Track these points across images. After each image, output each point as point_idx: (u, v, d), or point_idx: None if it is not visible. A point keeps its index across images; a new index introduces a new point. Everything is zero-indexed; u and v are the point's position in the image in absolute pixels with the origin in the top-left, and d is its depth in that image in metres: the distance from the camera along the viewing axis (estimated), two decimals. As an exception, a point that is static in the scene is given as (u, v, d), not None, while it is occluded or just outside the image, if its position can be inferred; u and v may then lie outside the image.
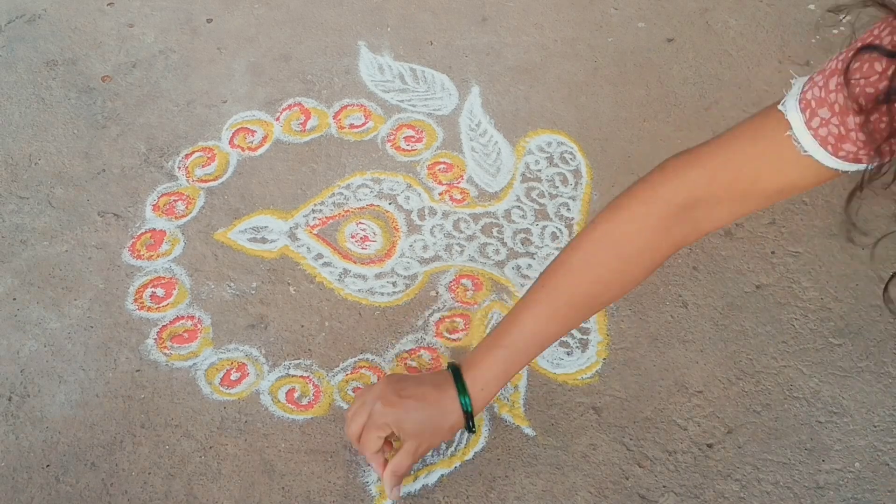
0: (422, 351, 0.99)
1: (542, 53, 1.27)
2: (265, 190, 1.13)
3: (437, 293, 1.04)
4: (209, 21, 1.33)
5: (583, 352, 0.99)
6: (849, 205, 0.64)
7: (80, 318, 1.02)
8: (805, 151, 0.63)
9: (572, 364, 0.98)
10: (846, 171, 0.63)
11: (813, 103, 0.62)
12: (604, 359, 0.98)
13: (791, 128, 0.63)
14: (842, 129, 0.60)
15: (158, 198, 1.13)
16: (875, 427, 0.92)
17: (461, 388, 0.79)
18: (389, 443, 0.84)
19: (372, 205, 1.12)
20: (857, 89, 0.58)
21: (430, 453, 0.91)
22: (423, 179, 1.14)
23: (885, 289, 0.70)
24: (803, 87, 0.63)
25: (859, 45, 0.59)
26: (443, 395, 0.80)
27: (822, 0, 1.30)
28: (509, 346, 0.78)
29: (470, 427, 0.81)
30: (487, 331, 1.00)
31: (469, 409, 0.79)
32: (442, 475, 0.90)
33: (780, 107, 0.65)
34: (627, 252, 0.74)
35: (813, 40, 1.26)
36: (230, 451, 0.92)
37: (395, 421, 0.79)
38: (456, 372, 0.80)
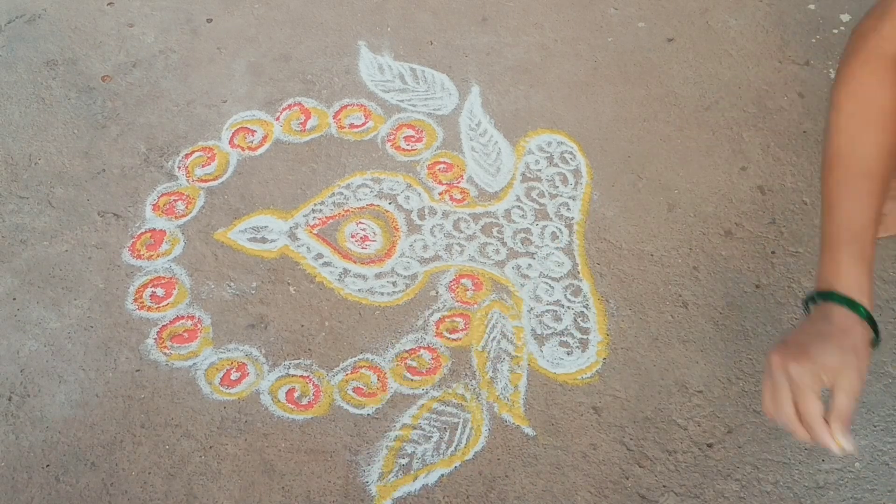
0: (422, 351, 0.99)
1: (542, 53, 1.27)
2: (265, 190, 1.13)
3: (437, 293, 1.04)
4: (209, 21, 1.33)
5: (583, 352, 0.99)
6: None
7: (80, 318, 1.02)
8: None
9: (572, 364, 0.98)
10: None
11: None
12: (604, 359, 0.98)
13: None
14: None
15: (158, 197, 1.13)
16: (875, 427, 0.92)
17: (845, 302, 0.74)
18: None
19: (372, 204, 1.12)
20: None
21: (430, 453, 0.91)
22: (423, 179, 1.14)
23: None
24: None
25: None
26: (833, 318, 0.74)
27: (823, 0, 1.30)
28: (851, 240, 0.75)
29: (877, 330, 0.75)
30: (487, 331, 1.00)
31: (866, 314, 0.74)
32: (442, 475, 0.90)
33: None
34: (882, 109, 0.76)
35: (813, 40, 1.26)
36: (230, 451, 0.92)
37: (818, 370, 0.71)
38: (827, 296, 0.75)
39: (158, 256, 1.07)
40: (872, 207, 0.76)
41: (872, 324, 0.74)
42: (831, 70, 1.22)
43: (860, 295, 0.74)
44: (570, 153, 1.16)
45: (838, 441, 0.71)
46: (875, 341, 0.75)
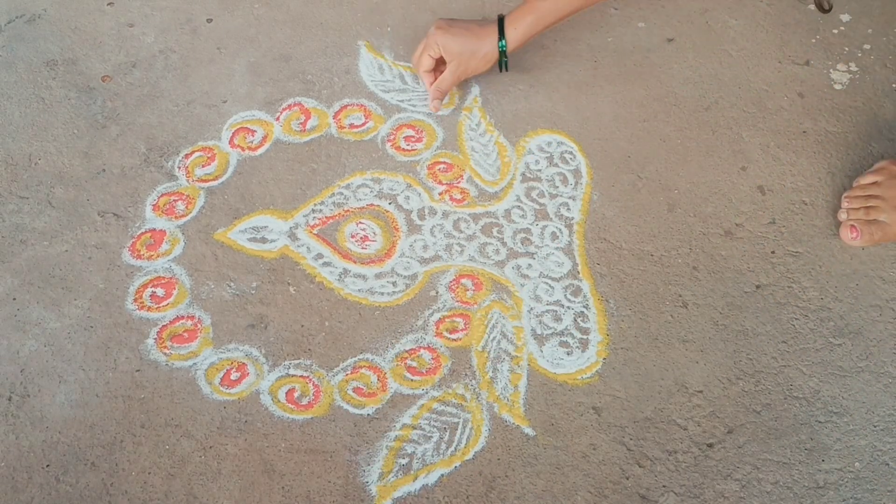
0: (422, 351, 0.99)
1: (542, 53, 1.27)
2: (265, 190, 1.13)
3: (437, 293, 1.04)
4: (209, 21, 1.33)
5: (583, 352, 0.99)
6: None
7: (80, 318, 1.02)
8: None
9: (572, 364, 0.98)
10: None
11: None
12: (604, 359, 0.98)
13: None
14: None
15: (158, 198, 1.13)
16: (875, 427, 0.92)
17: (500, 30, 1.10)
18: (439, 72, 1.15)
19: (372, 205, 1.12)
20: None
21: (430, 453, 0.91)
22: (423, 179, 1.14)
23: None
24: None
25: None
26: (484, 29, 1.11)
27: (822, 0, 1.30)
28: (541, 6, 1.09)
29: (502, 63, 1.14)
30: (487, 331, 1.00)
31: (503, 48, 1.11)
32: (442, 475, 0.90)
33: None
34: None
35: (813, 40, 1.26)
36: (230, 451, 0.92)
37: (443, 42, 1.10)
38: (500, 19, 1.11)
39: (158, 256, 1.07)
40: (577, 6, 1.10)
41: (503, 55, 1.13)
42: (831, 70, 1.22)
43: (514, 33, 1.10)
44: (570, 153, 1.16)
45: (430, 102, 1.18)
46: (501, 66, 1.16)
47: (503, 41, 1.10)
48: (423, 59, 1.13)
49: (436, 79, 1.15)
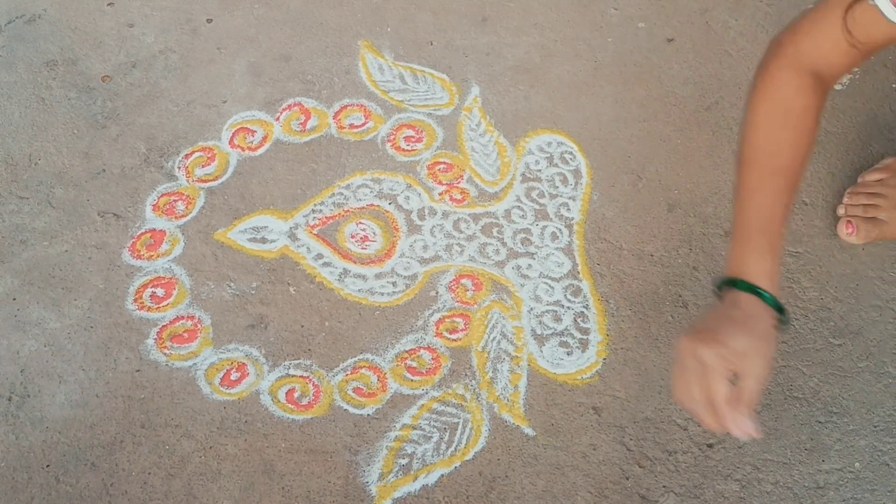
0: (422, 351, 0.99)
1: (542, 53, 1.27)
2: (265, 190, 1.13)
3: (437, 293, 1.04)
4: (209, 21, 1.33)
5: (583, 352, 0.99)
6: None
7: (80, 318, 1.02)
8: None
9: (572, 364, 0.98)
10: None
11: None
12: (604, 359, 0.98)
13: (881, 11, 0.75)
14: None
15: (158, 198, 1.13)
16: (875, 427, 0.92)
17: (751, 289, 0.76)
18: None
19: (372, 205, 1.12)
20: None
21: (430, 453, 0.91)
22: (423, 179, 1.14)
23: None
24: None
25: None
26: (741, 305, 0.76)
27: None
28: (761, 230, 0.79)
29: (783, 317, 0.77)
30: (487, 331, 1.00)
31: (772, 301, 0.76)
32: (442, 475, 0.90)
33: (870, 2, 0.75)
34: (793, 108, 0.81)
35: (813, 40, 1.26)
36: (230, 451, 0.92)
37: (728, 354, 0.72)
38: (735, 283, 0.77)
39: (158, 256, 1.07)
40: (782, 202, 0.80)
41: (779, 308, 0.77)
42: (831, 70, 1.22)
43: (767, 282, 0.77)
44: (570, 153, 1.16)
45: (743, 425, 0.72)
46: (783, 323, 0.78)
47: (766, 295, 0.77)
48: (717, 385, 0.73)
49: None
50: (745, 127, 0.83)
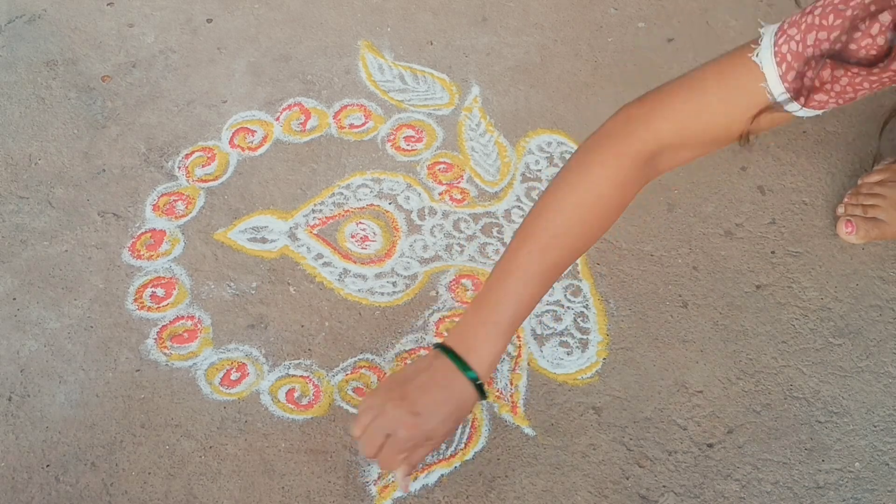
0: (422, 351, 0.99)
1: (542, 53, 1.27)
2: (265, 190, 1.13)
3: (437, 293, 1.04)
4: (209, 21, 1.33)
5: (583, 352, 0.99)
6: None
7: (80, 318, 1.02)
8: (777, 101, 0.66)
9: (572, 364, 0.98)
10: (806, 116, 0.67)
11: (788, 57, 0.64)
12: (604, 359, 0.98)
13: (766, 80, 0.65)
14: (816, 81, 0.63)
15: (158, 198, 1.13)
16: (875, 427, 0.92)
17: (459, 363, 0.75)
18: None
19: (372, 205, 1.12)
20: (853, 51, 0.60)
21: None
22: (423, 179, 1.14)
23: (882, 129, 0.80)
24: (775, 38, 0.65)
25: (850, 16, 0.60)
26: (440, 371, 0.75)
27: (822, 0, 1.30)
28: (500, 321, 0.75)
29: (483, 395, 0.76)
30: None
31: (475, 378, 0.75)
32: (442, 475, 0.90)
33: (754, 58, 0.66)
34: (605, 205, 0.74)
35: (813, 40, 1.26)
36: (230, 451, 0.92)
37: (420, 435, 0.74)
38: (443, 348, 0.76)
39: (158, 256, 1.07)
40: (538, 296, 0.76)
41: (480, 389, 0.75)
42: (831, 70, 1.22)
43: (479, 362, 0.74)
44: (570, 153, 1.16)
45: (399, 482, 0.79)
46: (480, 397, 0.76)
47: (470, 371, 0.75)
48: (394, 460, 0.76)
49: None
50: (547, 197, 0.75)
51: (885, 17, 0.59)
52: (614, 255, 1.06)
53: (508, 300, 0.74)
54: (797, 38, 0.64)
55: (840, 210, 1.05)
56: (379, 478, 0.90)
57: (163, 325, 1.01)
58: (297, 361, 0.99)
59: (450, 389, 0.75)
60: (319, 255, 1.07)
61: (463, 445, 0.92)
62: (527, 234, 0.75)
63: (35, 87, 1.25)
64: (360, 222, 1.10)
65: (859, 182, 1.07)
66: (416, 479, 0.89)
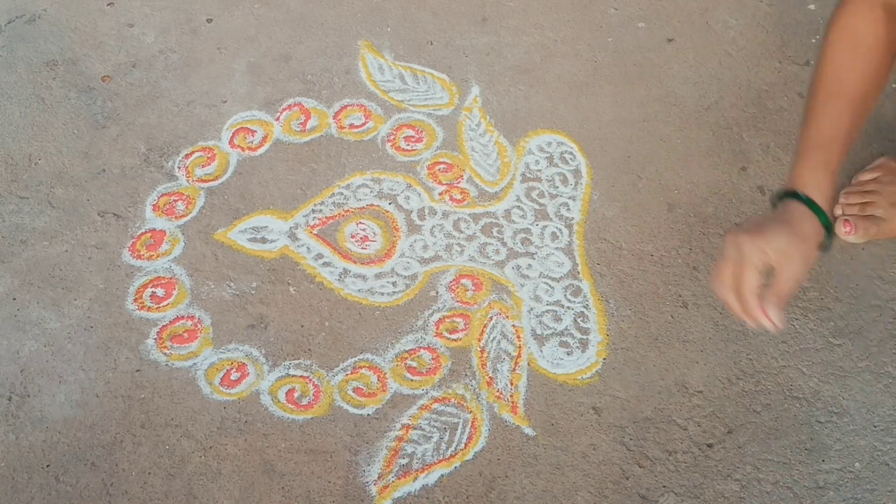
0: (422, 351, 0.99)
1: (542, 53, 1.27)
2: (265, 190, 1.13)
3: (437, 293, 1.04)
4: (209, 21, 1.33)
5: (583, 352, 0.99)
6: None
7: (80, 318, 1.02)
8: None
9: (572, 364, 0.98)
10: None
11: None
12: (604, 359, 0.98)
13: None
14: None
15: (158, 198, 1.13)
16: (875, 427, 0.92)
17: (805, 201, 0.80)
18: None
19: (372, 205, 1.12)
20: None
21: (430, 453, 0.91)
22: (423, 179, 1.14)
23: None
24: None
25: None
26: (792, 211, 0.80)
27: (822, 0, 1.30)
28: (819, 148, 0.83)
29: (829, 236, 0.81)
30: (487, 331, 1.00)
31: (825, 218, 0.80)
32: (442, 475, 0.90)
33: None
34: (867, 43, 0.85)
35: (813, 40, 1.26)
36: (230, 451, 0.92)
37: (767, 248, 0.77)
38: (790, 195, 0.82)
39: (158, 256, 1.07)
40: (845, 123, 0.84)
41: (828, 226, 0.81)
42: (831, 70, 1.22)
43: (819, 196, 0.81)
44: (570, 153, 1.16)
45: (770, 317, 0.77)
46: (826, 245, 0.82)
47: (822, 214, 0.81)
48: (750, 277, 0.78)
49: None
50: (818, 59, 0.87)
51: None
52: (614, 255, 1.06)
53: (822, 137, 0.84)
54: None
55: (838, 211, 1.05)
56: (379, 478, 0.90)
57: (163, 325, 1.01)
58: (297, 361, 0.99)
59: (804, 223, 0.80)
60: (319, 255, 1.07)
61: (463, 445, 0.92)
62: (811, 88, 0.86)
63: (35, 87, 1.25)
64: (360, 222, 1.10)
65: (853, 181, 1.07)
66: (415, 479, 0.89)
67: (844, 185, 1.09)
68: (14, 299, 1.04)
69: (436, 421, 0.94)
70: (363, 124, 1.20)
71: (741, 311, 0.78)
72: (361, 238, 1.09)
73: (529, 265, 1.06)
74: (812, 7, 1.29)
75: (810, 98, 0.86)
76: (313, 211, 1.11)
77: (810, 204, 0.80)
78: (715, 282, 0.80)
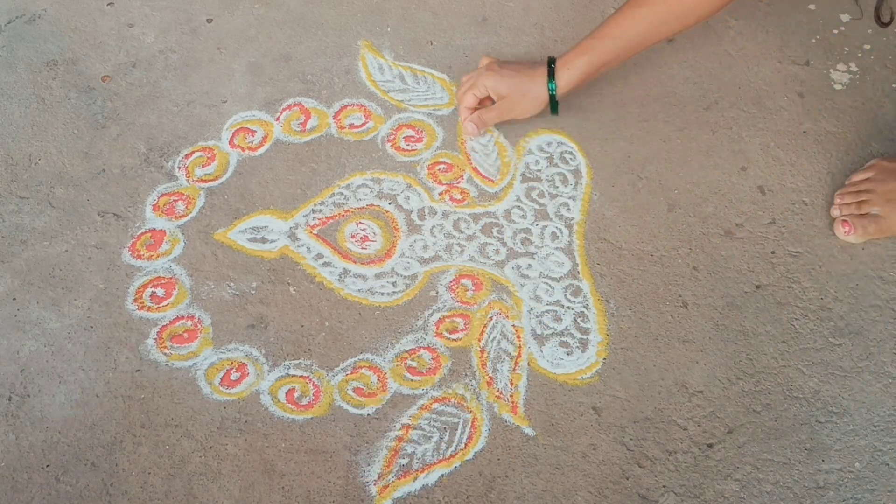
0: (422, 351, 0.99)
1: (542, 53, 1.27)
2: (265, 190, 1.13)
3: (437, 293, 1.04)
4: (209, 21, 1.33)
5: (583, 352, 0.99)
6: None
7: (80, 318, 1.02)
8: None
9: (572, 364, 0.98)
10: None
11: None
12: (604, 359, 0.98)
13: None
14: None
15: (158, 198, 1.13)
16: (875, 427, 0.92)
17: (550, 72, 1.07)
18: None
19: (372, 205, 1.12)
20: None
21: (430, 453, 0.91)
22: (423, 179, 1.14)
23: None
24: None
25: None
26: (535, 72, 1.08)
27: (822, 0, 1.30)
28: (595, 47, 1.04)
29: (554, 106, 1.10)
30: (487, 331, 1.01)
31: (553, 91, 1.07)
32: (442, 475, 0.90)
33: None
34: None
35: (813, 40, 1.26)
36: (230, 451, 0.92)
37: (492, 84, 1.08)
38: (551, 60, 1.07)
39: (158, 256, 1.07)
40: (636, 46, 1.05)
41: (553, 96, 1.09)
42: (831, 70, 1.22)
43: (566, 73, 1.06)
44: (570, 153, 1.16)
45: (465, 126, 1.13)
46: (552, 110, 1.12)
47: (553, 83, 1.07)
48: (467, 96, 1.10)
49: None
50: None
51: None
52: (614, 255, 1.06)
53: (606, 37, 1.05)
54: None
55: (835, 212, 1.05)
56: (379, 478, 0.90)
57: (163, 325, 1.01)
58: (297, 361, 0.99)
59: (530, 81, 1.08)
60: (319, 255, 1.07)
61: (463, 445, 0.92)
62: (628, 6, 1.04)
63: (35, 87, 1.25)
64: (360, 222, 1.10)
65: (847, 182, 1.08)
66: (415, 480, 0.89)
67: (839, 187, 1.09)
68: (14, 299, 1.04)
69: (436, 421, 0.94)
70: (363, 124, 1.20)
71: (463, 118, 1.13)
72: (361, 238, 1.09)
73: (529, 265, 1.06)
74: (812, 7, 1.29)
75: (622, 9, 1.04)
76: (313, 211, 1.11)
77: (551, 73, 1.06)
78: (457, 93, 1.15)
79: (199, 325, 1.02)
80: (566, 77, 1.06)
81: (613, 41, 1.04)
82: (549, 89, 1.07)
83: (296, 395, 0.96)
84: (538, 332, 1.00)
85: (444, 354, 0.99)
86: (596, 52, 1.04)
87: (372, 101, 1.22)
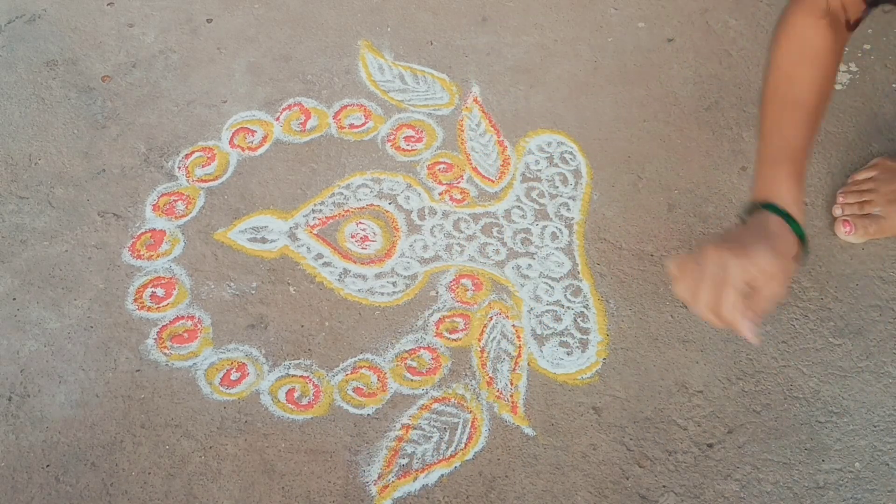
0: (422, 351, 0.99)
1: (542, 53, 1.27)
2: (265, 190, 1.13)
3: (436, 293, 1.04)
4: (209, 21, 1.33)
5: (583, 352, 0.99)
6: None
7: (80, 318, 1.02)
8: None
9: (572, 364, 0.98)
10: None
11: None
12: (604, 359, 0.98)
13: None
14: None
15: (158, 198, 1.13)
16: (875, 427, 0.92)
17: (781, 213, 0.78)
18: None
19: (372, 205, 1.12)
20: None
21: (430, 453, 0.91)
22: (423, 179, 1.14)
23: None
24: None
25: None
26: (770, 226, 0.78)
27: (822, 0, 1.30)
28: (787, 160, 0.82)
29: (806, 247, 0.80)
30: (487, 331, 1.00)
31: (800, 231, 0.79)
32: (442, 475, 0.90)
33: None
34: (814, 50, 0.85)
35: (813, 40, 1.26)
36: (230, 451, 0.92)
37: (752, 269, 0.74)
38: (765, 206, 0.79)
39: (158, 256, 1.07)
40: (805, 134, 0.83)
41: (803, 237, 0.79)
42: (831, 70, 1.22)
43: (795, 209, 0.79)
44: (570, 153, 1.16)
45: (747, 334, 0.74)
46: (803, 258, 0.80)
47: (793, 222, 0.79)
48: (732, 297, 0.75)
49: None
50: (766, 69, 0.86)
51: None
52: (614, 255, 1.06)
53: (787, 149, 0.83)
54: None
55: (837, 212, 1.05)
56: (379, 478, 0.90)
57: (163, 325, 1.01)
58: (297, 361, 0.99)
59: (783, 240, 0.77)
60: (319, 255, 1.07)
61: (463, 445, 0.92)
62: (764, 97, 0.85)
63: (35, 87, 1.25)
64: (360, 222, 1.10)
65: (849, 181, 1.07)
66: (415, 480, 0.89)
67: (841, 186, 1.09)
68: (14, 299, 1.04)
69: (436, 421, 0.94)
70: (363, 124, 1.20)
71: (717, 323, 0.76)
72: (361, 238, 1.09)
73: (529, 265, 1.06)
74: (812, 7, 1.29)
75: (766, 107, 0.84)
76: (313, 211, 1.11)
77: (787, 217, 0.78)
78: (692, 299, 0.76)
79: (199, 325, 1.02)
80: (793, 202, 0.81)
81: (790, 137, 0.84)
82: (794, 229, 0.79)
83: (296, 395, 0.96)
84: (538, 332, 1.00)
85: (444, 354, 0.99)
86: (798, 168, 0.83)
87: (372, 101, 1.22)
